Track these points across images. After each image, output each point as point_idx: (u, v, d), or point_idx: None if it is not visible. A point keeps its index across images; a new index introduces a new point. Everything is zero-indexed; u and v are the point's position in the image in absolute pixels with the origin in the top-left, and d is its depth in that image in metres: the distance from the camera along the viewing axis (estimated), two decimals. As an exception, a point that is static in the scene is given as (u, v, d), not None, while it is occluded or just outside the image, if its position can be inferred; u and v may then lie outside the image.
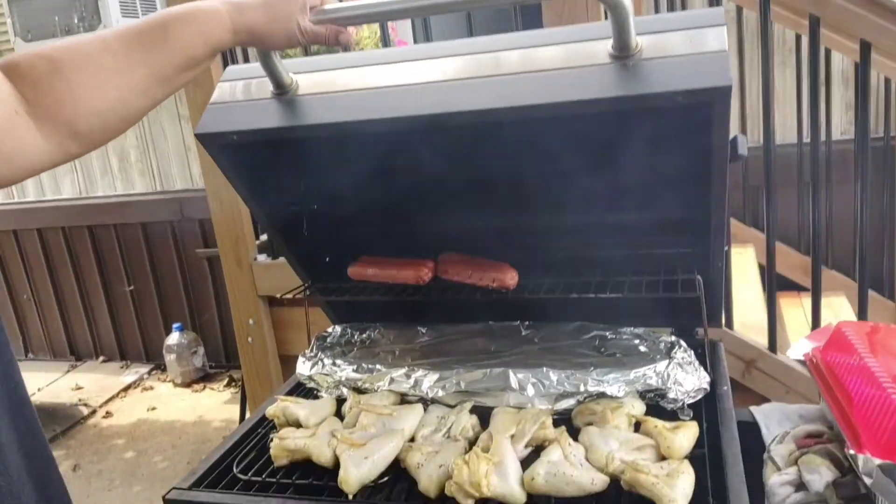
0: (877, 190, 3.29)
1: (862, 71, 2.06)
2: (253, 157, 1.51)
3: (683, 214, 1.52)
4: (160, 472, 4.19)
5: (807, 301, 3.69)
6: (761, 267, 3.59)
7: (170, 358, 5.26)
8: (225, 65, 2.61)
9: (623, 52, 1.21)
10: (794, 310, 3.60)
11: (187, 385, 5.28)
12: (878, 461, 1.14)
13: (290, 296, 1.66)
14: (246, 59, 2.84)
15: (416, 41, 2.98)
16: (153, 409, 4.99)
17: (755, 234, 3.80)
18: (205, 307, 5.43)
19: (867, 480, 1.15)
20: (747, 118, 3.81)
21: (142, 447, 4.47)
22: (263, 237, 3.20)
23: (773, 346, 2.39)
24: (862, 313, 2.39)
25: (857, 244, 2.34)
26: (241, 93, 1.44)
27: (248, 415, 3.23)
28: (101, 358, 5.87)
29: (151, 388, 5.37)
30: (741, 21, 3.70)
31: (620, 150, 1.50)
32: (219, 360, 5.54)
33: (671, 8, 2.59)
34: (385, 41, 2.81)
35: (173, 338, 5.23)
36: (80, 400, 5.20)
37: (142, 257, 5.42)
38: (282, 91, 1.39)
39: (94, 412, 5.02)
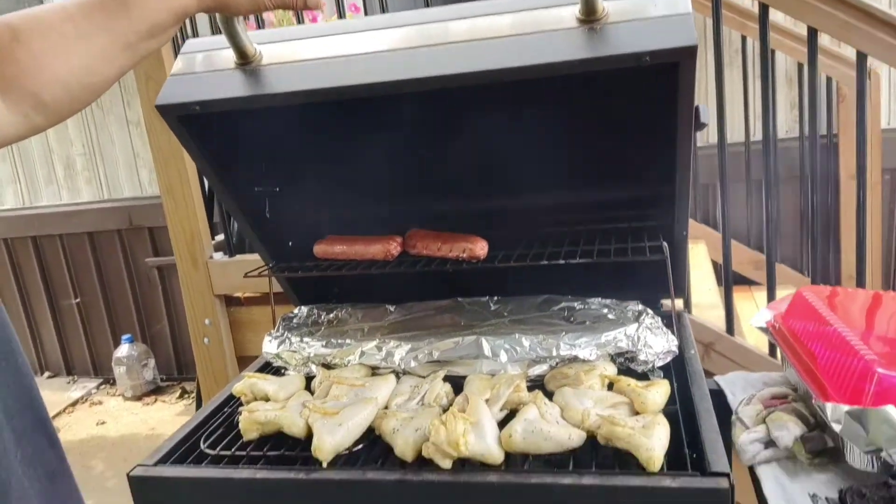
0: (822, 186, 3.41)
1: (810, 56, 2.13)
2: (214, 131, 1.49)
3: (649, 186, 1.55)
4: (111, 487, 4.04)
5: (758, 294, 3.81)
6: (714, 263, 3.68)
7: (119, 371, 5.10)
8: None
9: (590, 16, 1.23)
10: (746, 303, 3.70)
11: (138, 398, 5.12)
12: (845, 407, 1.17)
13: (255, 274, 1.63)
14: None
15: (366, 12, 2.92)
16: (102, 423, 4.83)
17: (707, 231, 3.90)
18: (155, 318, 5.30)
19: (836, 427, 1.17)
20: (698, 118, 3.90)
21: (91, 463, 4.31)
22: (219, 237, 3.14)
23: (730, 328, 2.44)
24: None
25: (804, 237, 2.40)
26: (202, 64, 1.42)
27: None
28: (47, 374, 5.66)
29: (100, 402, 5.20)
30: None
31: (586, 120, 1.53)
32: (170, 373, 5.40)
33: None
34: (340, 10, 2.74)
35: (123, 350, 5.07)
36: (23, 417, 4.99)
37: (89, 268, 5.26)
38: (245, 62, 1.37)
39: (38, 429, 4.82)
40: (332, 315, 1.73)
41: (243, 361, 3.15)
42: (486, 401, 1.27)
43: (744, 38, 3.60)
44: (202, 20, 2.88)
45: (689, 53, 1.15)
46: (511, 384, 1.30)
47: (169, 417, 4.80)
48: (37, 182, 5.28)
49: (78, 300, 5.37)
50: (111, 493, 3.92)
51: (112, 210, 5.07)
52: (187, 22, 2.83)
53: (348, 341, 1.54)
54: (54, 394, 5.34)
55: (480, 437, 1.16)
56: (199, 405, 3.77)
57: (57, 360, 5.60)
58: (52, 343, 5.55)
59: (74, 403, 5.17)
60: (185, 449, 1.32)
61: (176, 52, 2.73)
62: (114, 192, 5.15)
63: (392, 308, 1.73)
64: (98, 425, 4.79)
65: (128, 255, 5.17)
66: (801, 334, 1.47)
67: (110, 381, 5.38)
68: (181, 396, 5.09)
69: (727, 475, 1.03)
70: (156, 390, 5.22)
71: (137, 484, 1.23)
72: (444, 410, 1.29)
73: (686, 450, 1.14)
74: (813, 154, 2.90)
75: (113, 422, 4.84)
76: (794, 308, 1.55)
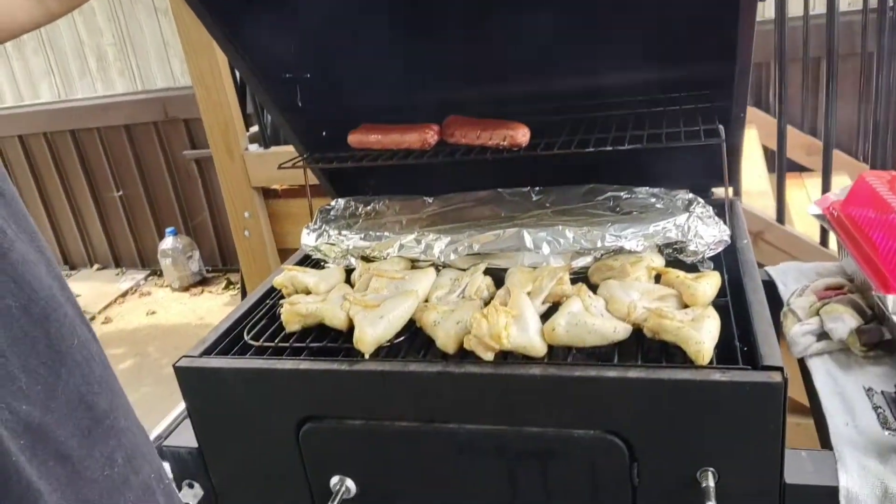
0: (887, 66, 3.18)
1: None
2: (238, 10, 1.41)
3: (704, 63, 1.45)
4: (166, 374, 4.22)
5: (809, 181, 3.66)
6: (765, 148, 3.52)
7: (165, 263, 5.23)
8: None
9: None
10: (797, 190, 3.56)
11: (185, 289, 5.27)
12: (909, 299, 1.11)
13: (288, 165, 1.59)
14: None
15: None
16: (153, 313, 5.00)
17: (758, 114, 3.72)
18: (197, 210, 5.36)
19: (896, 320, 1.13)
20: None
21: (144, 350, 4.50)
22: (254, 128, 3.10)
23: (781, 217, 2.35)
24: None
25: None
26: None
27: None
28: (96, 266, 5.83)
29: (149, 293, 5.36)
30: None
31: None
32: (215, 264, 5.51)
33: None
34: None
35: (167, 242, 5.18)
36: (78, 307, 5.18)
37: (128, 161, 5.29)
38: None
39: (92, 319, 5.01)
40: (369, 207, 1.69)
41: (284, 253, 3.17)
42: (528, 294, 1.24)
43: None
44: None
45: None
46: (554, 277, 1.26)
47: (216, 307, 4.94)
48: (70, 75, 5.25)
49: (120, 193, 5.44)
50: (168, 379, 4.10)
51: (147, 102, 5.04)
52: None
53: (387, 234, 1.51)
54: (104, 285, 5.52)
55: (523, 330, 1.13)
56: (244, 296, 3.86)
57: (105, 252, 5.75)
58: (99, 236, 5.68)
59: (125, 294, 5.35)
60: (229, 340, 1.33)
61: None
62: (147, 83, 5.10)
63: (430, 200, 1.68)
64: (149, 315, 4.96)
65: (165, 147, 5.17)
66: (862, 222, 1.39)
67: (157, 272, 5.52)
68: (227, 287, 5.22)
69: (780, 369, 0.99)
70: (202, 281, 5.35)
71: (183, 374, 1.25)
72: (486, 303, 1.27)
73: (737, 343, 1.10)
74: (881, 28, 2.68)
75: (163, 311, 5.00)
76: (855, 194, 1.47)
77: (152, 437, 1.33)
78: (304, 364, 1.19)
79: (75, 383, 0.67)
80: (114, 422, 0.70)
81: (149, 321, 4.88)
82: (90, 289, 5.46)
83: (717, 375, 1.00)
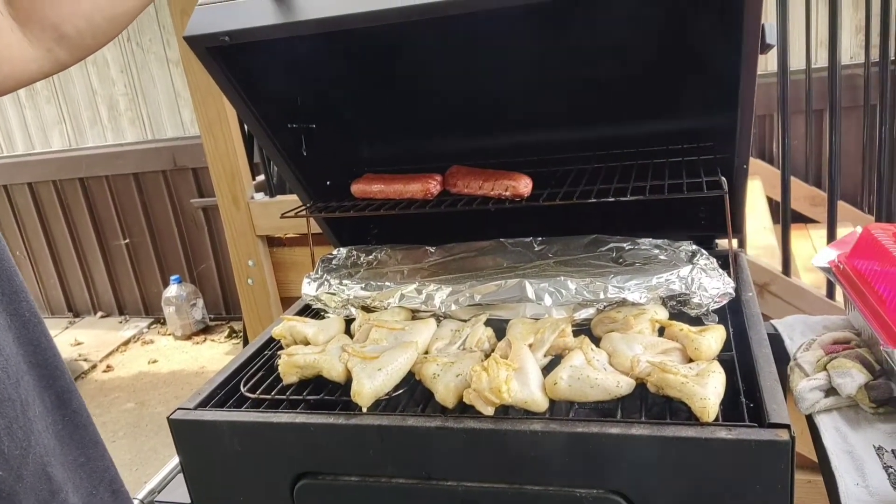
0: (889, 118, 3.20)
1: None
2: (246, 64, 1.42)
3: (707, 114, 1.45)
4: (164, 422, 4.17)
5: (814, 232, 3.64)
6: (769, 199, 3.52)
7: (169, 311, 5.21)
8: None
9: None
10: (802, 241, 3.55)
11: (188, 338, 5.24)
12: (918, 355, 1.09)
13: (291, 214, 1.59)
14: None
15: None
16: (154, 361, 4.96)
17: (762, 166, 3.73)
18: (202, 258, 5.37)
19: (906, 376, 1.10)
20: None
21: (144, 399, 4.45)
22: (260, 177, 3.12)
23: (786, 269, 2.33)
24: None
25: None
26: (232, -8, 1.35)
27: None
28: (100, 313, 5.82)
29: (151, 341, 5.34)
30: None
31: (638, 41, 1.42)
32: (218, 312, 5.50)
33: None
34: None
35: (171, 290, 5.17)
36: (80, 355, 5.16)
37: (136, 209, 5.32)
38: (276, -13, 1.29)
39: (94, 367, 4.99)
40: (371, 256, 1.68)
41: (287, 302, 3.15)
42: (530, 346, 1.22)
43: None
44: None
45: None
46: (556, 329, 1.24)
47: (218, 356, 4.90)
48: (82, 124, 5.32)
49: (127, 241, 5.46)
50: (163, 429, 4.04)
51: (156, 150, 5.09)
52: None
53: (388, 283, 1.50)
54: (107, 333, 5.50)
55: (524, 384, 1.11)
56: (245, 345, 3.83)
57: (109, 300, 5.75)
58: (104, 284, 5.68)
59: (127, 342, 5.32)
60: (225, 392, 1.31)
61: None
62: (157, 132, 5.17)
63: (432, 249, 1.68)
64: (150, 363, 4.93)
65: (173, 195, 5.21)
66: (868, 275, 1.37)
67: (161, 320, 5.51)
68: (230, 336, 5.19)
69: (787, 426, 0.96)
70: (205, 329, 5.33)
71: (178, 427, 1.23)
72: (486, 356, 1.24)
73: (743, 399, 1.07)
74: (883, 81, 2.70)
75: (164, 360, 4.97)
76: (861, 247, 1.45)
77: (145, 491, 1.30)
78: (300, 417, 1.17)
79: (39, 453, 0.65)
80: (66, 496, 0.68)
81: (150, 369, 4.84)
82: (93, 337, 5.44)
83: (722, 433, 0.98)
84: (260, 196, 2.97)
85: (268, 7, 1.29)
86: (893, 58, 3.31)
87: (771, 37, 1.22)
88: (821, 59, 3.61)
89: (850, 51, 3.68)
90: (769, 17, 3.52)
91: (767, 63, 3.57)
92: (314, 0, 1.27)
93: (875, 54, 3.20)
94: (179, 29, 2.82)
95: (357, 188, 1.62)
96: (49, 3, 0.94)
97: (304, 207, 1.64)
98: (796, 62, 3.52)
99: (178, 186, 5.17)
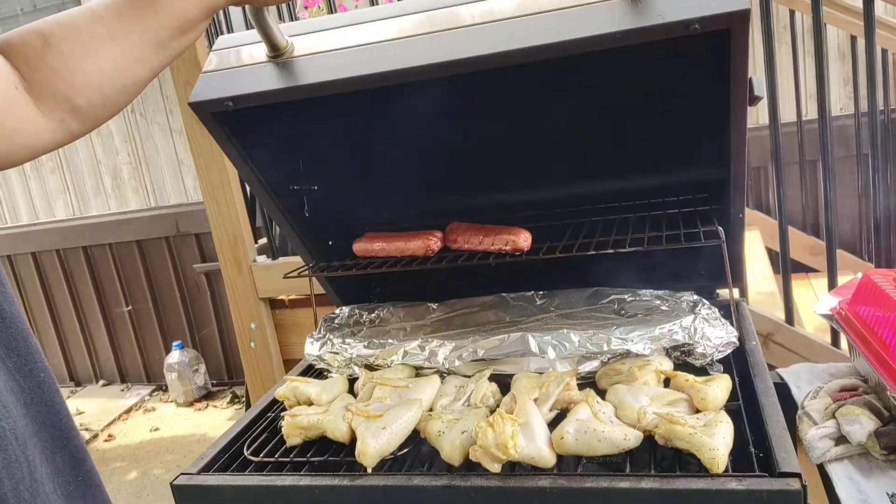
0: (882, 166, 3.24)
1: (866, 26, 2.01)
2: (249, 128, 1.46)
3: (701, 167, 1.48)
4: (166, 489, 4.09)
5: (815, 281, 3.65)
6: (768, 250, 3.54)
7: (171, 377, 5.17)
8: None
9: (632, -13, 1.16)
10: (804, 290, 3.55)
11: (190, 404, 5.18)
12: (926, 399, 1.08)
13: (294, 275, 1.60)
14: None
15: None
16: (156, 429, 4.90)
17: (760, 217, 3.76)
18: (204, 323, 5.35)
19: (916, 421, 1.09)
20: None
21: (146, 467, 4.38)
22: (263, 240, 3.14)
23: (790, 318, 2.33)
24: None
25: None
26: (234, 59, 1.39)
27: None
28: (102, 382, 5.77)
29: (153, 409, 5.28)
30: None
31: (631, 100, 1.46)
32: (220, 378, 5.45)
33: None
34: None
35: (174, 356, 5.14)
36: (81, 425, 5.09)
37: (139, 276, 5.34)
38: (277, 54, 1.33)
39: (95, 436, 4.92)
40: (373, 315, 1.69)
41: (290, 364, 3.14)
42: (535, 400, 1.21)
43: (792, 13, 3.45)
44: (237, 18, 2.87)
45: (741, 18, 1.07)
46: (561, 382, 1.23)
47: (220, 422, 4.84)
48: (86, 192, 5.39)
49: (129, 308, 5.46)
50: (165, 497, 3.97)
51: (159, 217, 5.14)
52: (223, 19, 2.83)
53: (391, 341, 1.50)
54: (109, 401, 5.44)
55: (530, 439, 1.10)
56: (248, 408, 3.78)
57: (111, 368, 5.71)
58: (106, 351, 5.66)
59: (129, 410, 5.26)
60: (228, 455, 1.30)
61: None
62: (160, 199, 5.23)
63: (434, 306, 1.68)
64: (152, 431, 4.86)
65: (176, 261, 5.24)
66: (871, 321, 1.38)
67: (163, 387, 5.46)
68: (232, 401, 5.13)
69: (798, 475, 0.95)
70: (207, 395, 5.27)
71: (181, 492, 1.21)
72: (492, 411, 1.23)
73: (752, 449, 1.06)
74: (873, 130, 2.75)
75: (166, 427, 4.90)
76: (861, 293, 1.46)
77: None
78: (304, 480, 1.15)
79: None
80: None
81: (152, 437, 4.78)
82: (95, 405, 5.39)
83: (733, 484, 0.96)
84: (262, 259, 2.99)
85: (270, 72, 1.33)
86: (882, 108, 3.39)
87: (759, 89, 1.25)
88: (811, 112, 3.68)
89: (840, 102, 3.75)
90: (757, 71, 3.61)
91: (759, 116, 3.64)
92: (315, 63, 1.32)
93: (864, 105, 3.27)
94: (183, 98, 2.88)
95: (359, 247, 1.64)
96: (62, 77, 0.96)
97: (307, 268, 1.65)
98: (787, 115, 3.59)
99: (181, 252, 5.20)
